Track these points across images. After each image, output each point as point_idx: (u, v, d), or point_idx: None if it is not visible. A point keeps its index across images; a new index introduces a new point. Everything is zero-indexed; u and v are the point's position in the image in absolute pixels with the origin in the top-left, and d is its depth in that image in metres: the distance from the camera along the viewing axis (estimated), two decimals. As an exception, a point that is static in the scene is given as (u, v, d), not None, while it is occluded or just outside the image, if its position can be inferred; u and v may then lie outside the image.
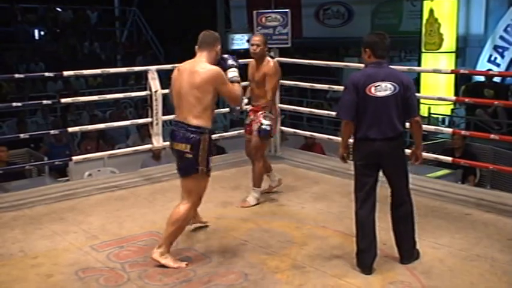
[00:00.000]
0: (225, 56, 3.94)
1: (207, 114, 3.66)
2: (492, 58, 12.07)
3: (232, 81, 3.77)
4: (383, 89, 3.53)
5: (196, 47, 3.79)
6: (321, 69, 12.40)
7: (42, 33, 17.19)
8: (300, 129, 8.08)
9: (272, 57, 6.42)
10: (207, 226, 4.35)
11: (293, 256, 3.84)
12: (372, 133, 3.56)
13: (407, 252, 3.73)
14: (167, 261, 3.67)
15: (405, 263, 3.69)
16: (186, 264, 3.69)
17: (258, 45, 4.89)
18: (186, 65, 3.78)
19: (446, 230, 4.27)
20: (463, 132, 6.53)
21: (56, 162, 6.36)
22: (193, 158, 3.64)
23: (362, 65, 5.94)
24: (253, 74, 4.99)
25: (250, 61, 5.11)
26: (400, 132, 3.62)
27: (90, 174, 6.74)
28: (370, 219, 3.63)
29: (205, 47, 3.76)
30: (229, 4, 17.84)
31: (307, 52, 15.33)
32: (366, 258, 3.60)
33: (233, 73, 3.84)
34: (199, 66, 3.68)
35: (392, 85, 3.54)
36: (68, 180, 6.82)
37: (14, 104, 5.64)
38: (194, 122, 3.62)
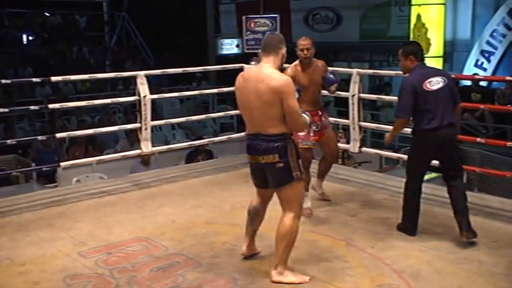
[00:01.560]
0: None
1: (283, 121, 3.45)
2: (479, 63, 12.18)
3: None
4: (435, 83, 4.07)
5: (260, 51, 3.55)
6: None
7: (30, 38, 17.11)
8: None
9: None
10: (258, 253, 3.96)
11: (282, 260, 3.84)
12: (435, 123, 4.05)
13: (468, 225, 4.08)
14: (289, 278, 3.47)
15: (467, 236, 4.01)
16: (309, 279, 3.51)
17: (308, 49, 4.68)
18: (251, 70, 3.54)
19: (433, 233, 4.29)
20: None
21: (44, 168, 6.32)
22: (285, 166, 3.45)
23: (350, 70, 6.01)
24: (312, 79, 4.75)
25: (291, 69, 4.78)
26: (455, 119, 4.20)
27: (78, 180, 6.72)
28: (416, 201, 4.23)
29: (270, 51, 3.50)
30: (218, 9, 17.86)
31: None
32: (408, 227, 4.25)
33: (305, 116, 3.59)
34: (268, 74, 3.41)
35: (442, 78, 4.11)
36: (56, 186, 6.79)
37: (1, 109, 5.61)
38: (274, 130, 3.43)
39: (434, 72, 4.21)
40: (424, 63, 4.22)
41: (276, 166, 3.45)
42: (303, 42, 4.71)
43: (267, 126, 3.44)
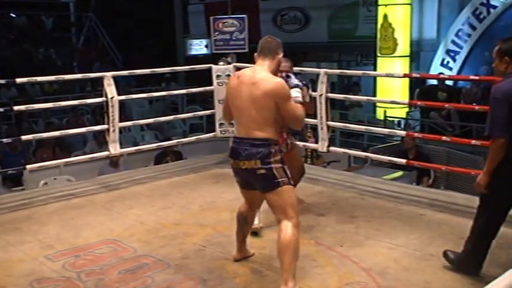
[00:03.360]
0: (291, 74, 3.73)
1: (272, 128, 3.32)
2: (445, 62, 12.39)
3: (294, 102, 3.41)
4: None
5: (256, 54, 3.45)
6: (279, 74, 12.49)
7: (-5, 39, 16.78)
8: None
9: (229, 63, 6.49)
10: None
11: (251, 260, 3.85)
12: None
13: None
14: None
15: None
16: None
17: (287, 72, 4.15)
18: (246, 72, 3.40)
19: (401, 230, 4.36)
20: (416, 134, 6.69)
21: (10, 171, 6.21)
22: (268, 173, 3.27)
23: (317, 70, 6.01)
24: None
25: None
26: None
27: (46, 183, 6.64)
28: (488, 241, 3.50)
29: (267, 54, 3.39)
30: (187, 10, 17.80)
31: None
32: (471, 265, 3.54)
33: (296, 93, 3.52)
34: (261, 77, 3.29)
35: None
36: (23, 189, 6.68)
37: (-35, 112, 5.50)
38: (260, 134, 3.28)
39: None
40: None
41: (257, 172, 3.28)
42: (286, 64, 4.11)
43: (254, 129, 3.29)
